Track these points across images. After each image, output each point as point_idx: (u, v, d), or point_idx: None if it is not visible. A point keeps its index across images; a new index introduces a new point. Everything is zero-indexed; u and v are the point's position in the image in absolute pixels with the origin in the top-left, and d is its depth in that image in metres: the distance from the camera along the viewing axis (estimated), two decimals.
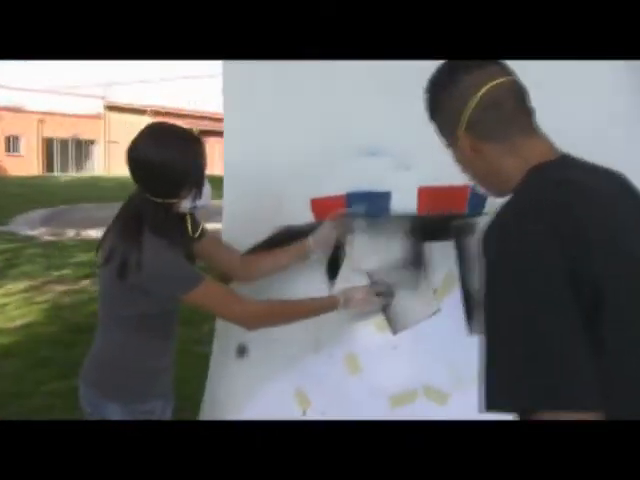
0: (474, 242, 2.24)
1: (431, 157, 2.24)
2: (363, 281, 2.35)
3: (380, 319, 2.34)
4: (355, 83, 2.32)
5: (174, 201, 2.01)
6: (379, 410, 2.29)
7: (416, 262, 2.32)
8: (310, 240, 2.33)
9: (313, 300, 2.26)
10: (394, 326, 2.32)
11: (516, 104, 1.41)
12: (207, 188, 2.06)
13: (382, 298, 2.31)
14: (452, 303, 2.28)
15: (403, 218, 2.32)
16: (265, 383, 2.44)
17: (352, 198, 2.35)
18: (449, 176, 2.21)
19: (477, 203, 2.23)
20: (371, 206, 2.34)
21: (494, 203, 2.15)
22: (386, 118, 2.30)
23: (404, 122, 2.28)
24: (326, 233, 2.33)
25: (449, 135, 1.48)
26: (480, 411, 1.18)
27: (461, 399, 2.23)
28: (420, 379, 2.30)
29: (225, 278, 2.37)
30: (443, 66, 1.50)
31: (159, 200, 1.99)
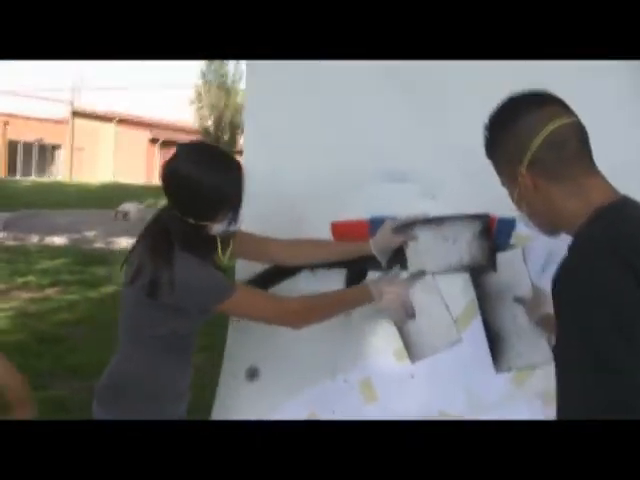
0: (495, 277, 2.24)
1: (457, 187, 2.27)
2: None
3: (398, 347, 2.31)
4: (386, 107, 2.32)
5: (207, 223, 1.97)
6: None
7: (487, 263, 2.28)
8: (370, 242, 2.27)
9: (345, 291, 2.29)
10: (412, 354, 2.30)
11: (579, 144, 1.44)
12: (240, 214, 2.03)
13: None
14: (472, 334, 2.27)
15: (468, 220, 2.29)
16: (276, 407, 2.39)
17: (376, 223, 2.33)
18: (473, 206, 2.25)
19: (504, 235, 2.23)
20: None
21: (517, 236, 2.21)
22: (416, 144, 2.30)
23: (434, 150, 2.29)
24: (387, 236, 2.28)
25: (508, 173, 1.51)
26: None
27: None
28: (437, 406, 2.28)
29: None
30: (503, 104, 1.55)
31: (190, 220, 1.95)
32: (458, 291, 2.28)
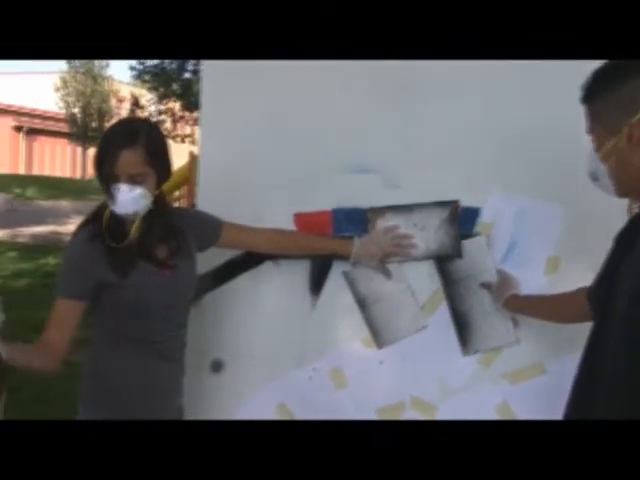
0: (460, 264, 2.32)
1: (420, 175, 2.33)
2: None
3: (365, 334, 2.36)
4: (348, 97, 2.34)
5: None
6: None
7: (453, 250, 2.32)
8: (356, 242, 2.28)
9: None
10: (379, 340, 2.35)
11: None
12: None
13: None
14: (439, 319, 2.34)
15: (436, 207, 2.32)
16: (245, 399, 2.39)
17: (338, 214, 2.36)
18: (436, 194, 2.32)
19: (468, 223, 2.31)
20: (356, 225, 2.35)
21: (481, 224, 2.30)
22: (377, 134, 2.33)
23: (395, 139, 2.34)
24: (376, 241, 2.29)
25: (611, 121, 1.51)
26: None
27: (449, 410, 2.31)
28: (407, 391, 2.34)
29: None
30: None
31: None
32: (424, 278, 2.33)
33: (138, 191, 1.94)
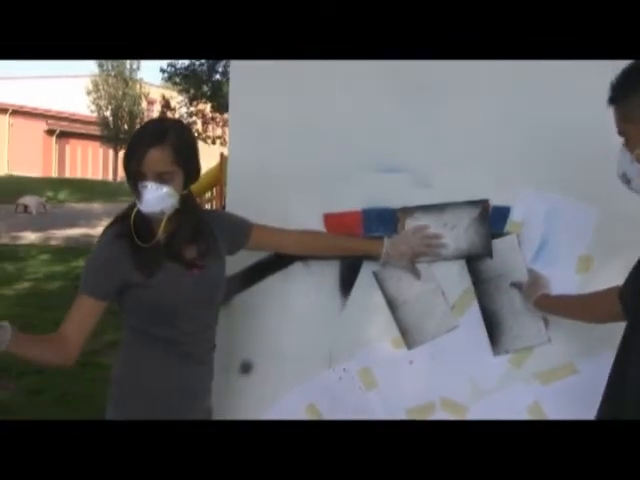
0: (491, 264, 2.31)
1: (450, 175, 2.32)
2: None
3: (395, 334, 2.35)
4: (378, 96, 2.34)
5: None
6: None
7: (483, 250, 2.31)
8: (386, 242, 2.28)
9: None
10: (409, 340, 2.34)
11: None
12: None
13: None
14: (469, 319, 2.33)
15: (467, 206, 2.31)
16: (274, 400, 2.39)
17: (368, 215, 2.36)
18: (467, 193, 2.30)
19: (498, 222, 2.30)
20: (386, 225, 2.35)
21: (512, 223, 2.29)
22: (407, 134, 2.33)
23: (426, 139, 2.33)
24: (406, 240, 2.29)
25: None
26: None
27: (479, 410, 2.29)
28: (437, 392, 2.33)
29: None
30: None
31: None
32: (454, 278, 2.32)
33: (165, 190, 1.95)
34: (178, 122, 2.23)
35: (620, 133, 1.57)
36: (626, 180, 1.58)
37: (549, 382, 2.28)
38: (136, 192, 1.97)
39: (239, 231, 2.22)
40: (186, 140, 2.04)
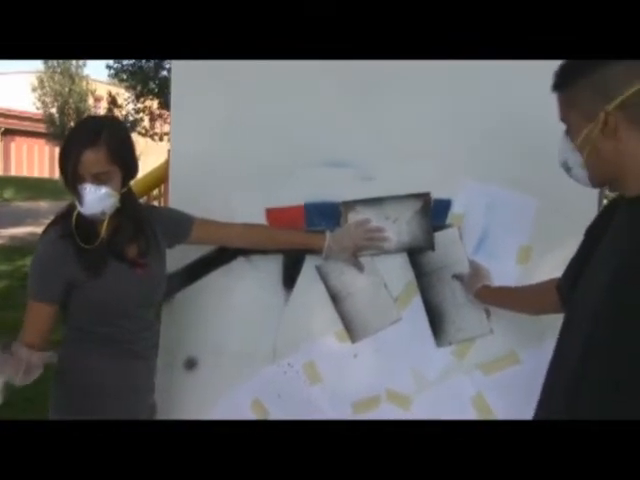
0: (433, 256, 2.32)
1: (391, 168, 2.33)
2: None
3: (339, 328, 2.35)
4: (318, 91, 2.33)
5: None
6: (342, 417, 2.31)
7: (425, 243, 2.32)
8: (328, 235, 2.28)
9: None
10: (353, 334, 2.35)
11: None
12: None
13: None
14: (412, 312, 2.34)
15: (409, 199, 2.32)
16: (218, 396, 2.38)
17: (310, 209, 2.35)
18: (408, 186, 2.31)
19: (440, 215, 2.31)
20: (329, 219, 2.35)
21: (453, 215, 2.30)
22: (349, 128, 2.32)
23: (368, 133, 2.33)
24: (348, 234, 2.29)
25: (586, 109, 1.44)
26: None
27: (424, 402, 2.31)
28: (383, 384, 2.34)
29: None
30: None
31: None
32: (397, 271, 2.33)
33: (104, 190, 1.92)
34: (110, 119, 2.20)
35: (563, 119, 1.55)
36: (567, 168, 1.57)
37: (492, 372, 2.31)
38: (75, 194, 1.94)
39: (180, 225, 2.20)
40: (121, 138, 2.00)
